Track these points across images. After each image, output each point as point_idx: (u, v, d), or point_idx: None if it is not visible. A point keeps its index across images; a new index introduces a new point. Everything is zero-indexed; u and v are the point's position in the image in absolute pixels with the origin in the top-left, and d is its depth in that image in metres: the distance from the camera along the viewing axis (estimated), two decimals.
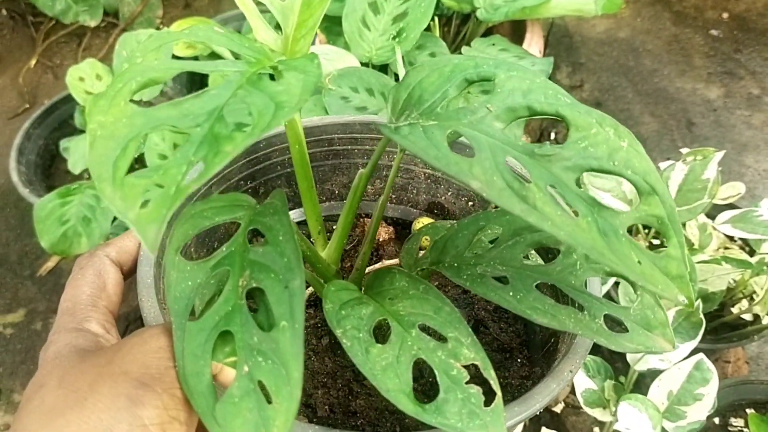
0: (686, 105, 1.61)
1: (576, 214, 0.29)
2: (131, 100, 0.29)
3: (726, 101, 1.61)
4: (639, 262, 0.28)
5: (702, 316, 0.85)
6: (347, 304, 0.36)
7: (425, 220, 0.54)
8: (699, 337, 0.83)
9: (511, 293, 0.36)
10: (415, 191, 0.57)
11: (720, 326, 1.09)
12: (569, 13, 1.15)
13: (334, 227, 0.47)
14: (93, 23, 1.74)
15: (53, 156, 1.49)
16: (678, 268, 0.29)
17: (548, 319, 0.34)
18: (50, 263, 1.48)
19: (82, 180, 1.32)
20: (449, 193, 0.56)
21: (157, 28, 1.88)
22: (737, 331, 1.07)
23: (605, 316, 0.36)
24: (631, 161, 0.31)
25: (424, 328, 0.34)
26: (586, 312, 0.36)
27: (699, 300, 0.96)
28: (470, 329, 0.34)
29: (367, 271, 0.50)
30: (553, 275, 0.38)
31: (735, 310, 1.09)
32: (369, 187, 0.57)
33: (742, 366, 1.25)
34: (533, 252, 0.41)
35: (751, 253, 1.12)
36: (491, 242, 0.41)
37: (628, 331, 0.36)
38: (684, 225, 1.06)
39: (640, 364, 0.85)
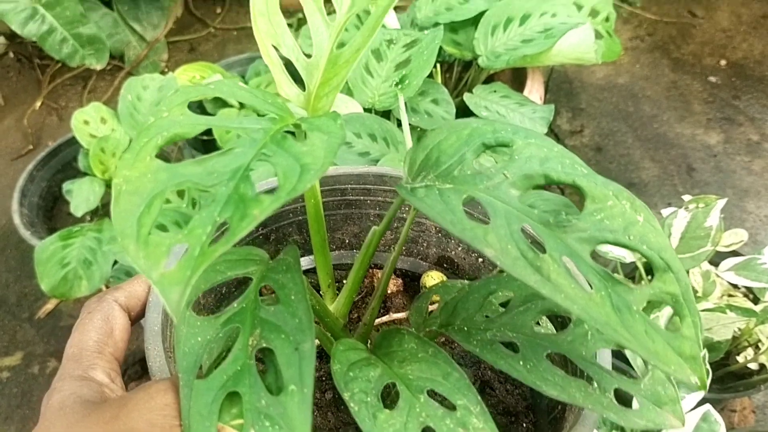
0: (686, 150, 1.62)
1: (590, 287, 0.28)
2: (157, 155, 0.29)
3: (726, 147, 1.62)
4: (653, 340, 0.28)
5: (708, 366, 0.84)
6: (355, 365, 0.35)
7: (435, 275, 0.54)
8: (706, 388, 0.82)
9: (521, 362, 0.35)
10: (425, 244, 0.57)
11: (726, 375, 1.08)
12: (570, 61, 1.16)
13: (344, 279, 0.46)
14: (99, 66, 1.76)
15: (56, 198, 1.49)
16: (692, 348, 0.29)
17: (558, 392, 0.34)
18: (49, 306, 1.47)
19: (84, 222, 1.32)
20: (459, 248, 0.56)
21: (162, 72, 1.90)
22: (743, 381, 1.06)
23: (615, 389, 0.36)
24: (647, 236, 0.31)
25: (432, 394, 0.34)
26: (596, 385, 0.35)
27: (705, 350, 0.96)
28: (479, 396, 0.33)
29: (375, 323, 0.49)
30: (564, 345, 0.38)
31: (740, 359, 1.08)
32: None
33: (749, 415, 1.24)
34: (544, 318, 0.41)
35: (755, 300, 1.11)
36: (502, 305, 0.41)
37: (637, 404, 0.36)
38: (687, 272, 1.06)
39: None
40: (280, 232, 0.55)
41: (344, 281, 0.52)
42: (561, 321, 0.42)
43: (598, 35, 1.25)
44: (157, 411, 0.30)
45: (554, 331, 0.40)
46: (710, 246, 1.03)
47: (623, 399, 0.35)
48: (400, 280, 0.57)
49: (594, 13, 1.30)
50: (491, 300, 0.41)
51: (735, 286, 1.15)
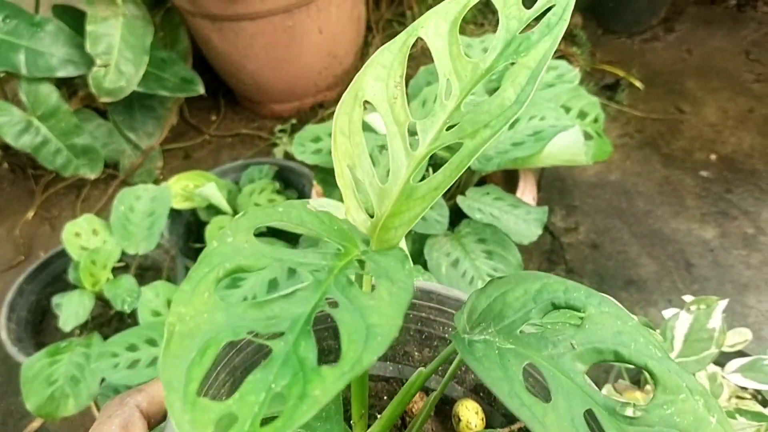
0: (683, 246, 1.61)
1: None
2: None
3: (722, 241, 1.61)
4: None
5: None
6: None
7: (470, 405, 0.51)
8: None
9: None
10: (463, 368, 0.53)
11: None
12: (561, 163, 1.17)
13: (372, 394, 0.44)
14: (93, 176, 1.76)
15: (45, 311, 1.46)
16: None
17: None
18: (35, 424, 1.42)
19: (72, 336, 1.29)
20: None
21: (157, 179, 1.91)
22: None
23: None
24: None
25: None
26: None
27: None
28: None
29: None
30: None
31: None
32: (416, 353, 0.54)
33: None
34: None
35: (764, 403, 1.07)
36: None
37: None
38: (693, 375, 1.02)
39: None
40: (315, 336, 0.52)
41: (373, 396, 0.50)
42: None
43: (587, 136, 1.26)
44: None
45: None
46: (714, 348, 1.01)
47: None
48: None
49: (582, 115, 1.31)
50: None
51: (743, 388, 1.11)
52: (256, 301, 0.26)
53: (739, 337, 1.13)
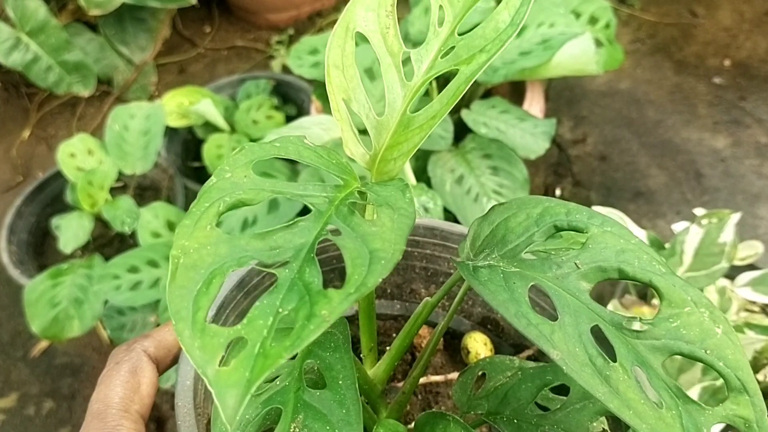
0: (693, 156, 1.58)
1: (660, 403, 0.26)
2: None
3: (734, 151, 1.57)
4: None
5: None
6: None
7: (478, 337, 0.50)
8: None
9: None
10: (470, 302, 0.53)
11: None
12: (570, 73, 1.12)
13: (381, 333, 0.45)
14: (86, 93, 1.72)
15: (45, 233, 1.45)
16: None
17: None
18: (43, 344, 1.43)
19: (74, 259, 1.28)
20: None
21: (152, 96, 1.86)
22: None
23: None
24: (724, 351, 0.28)
25: None
26: None
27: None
28: None
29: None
30: None
31: (760, 377, 1.03)
32: (423, 290, 0.53)
33: None
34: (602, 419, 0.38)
35: None
36: (554, 391, 0.38)
37: None
38: (702, 290, 1.01)
39: None
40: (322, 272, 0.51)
41: (381, 334, 0.50)
42: (617, 419, 0.38)
43: (598, 43, 1.20)
44: None
45: (609, 430, 0.37)
46: (725, 263, 0.99)
47: None
48: (440, 339, 0.53)
49: (593, 21, 1.25)
50: (546, 391, 0.38)
51: (752, 302, 1.10)
52: (258, 232, 0.27)
53: (749, 250, 1.11)
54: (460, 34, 0.34)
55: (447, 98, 0.33)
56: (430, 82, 0.35)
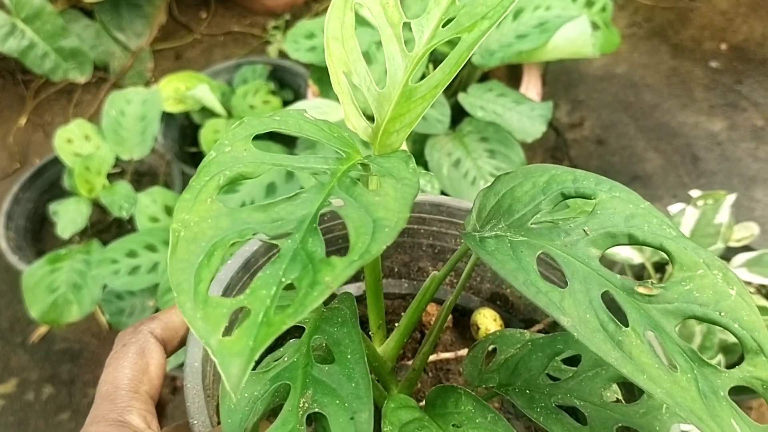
0: (690, 139, 1.58)
1: (674, 367, 0.26)
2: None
3: (730, 134, 1.57)
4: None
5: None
6: (408, 426, 0.33)
7: (487, 313, 0.50)
8: None
9: None
10: (479, 278, 0.52)
11: None
12: (567, 56, 1.12)
13: (390, 311, 0.45)
14: (83, 80, 1.71)
15: (43, 219, 1.45)
16: None
17: None
18: (42, 329, 1.44)
19: (72, 244, 1.28)
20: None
21: (148, 82, 1.86)
22: None
23: None
24: (739, 313, 0.28)
25: None
26: None
27: (720, 354, 0.92)
28: None
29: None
30: (636, 418, 0.35)
31: None
32: (430, 268, 0.53)
33: (766, 412, 1.22)
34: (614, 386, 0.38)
35: None
36: (569, 365, 0.38)
37: None
38: None
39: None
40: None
41: (390, 313, 0.50)
42: (630, 386, 0.38)
43: (594, 27, 1.20)
44: None
45: (621, 397, 0.36)
46: (721, 243, 0.99)
47: None
48: (449, 315, 0.53)
49: (590, 4, 1.25)
50: (557, 361, 0.37)
51: (748, 282, 1.11)
52: (259, 204, 0.26)
53: (745, 231, 1.11)
54: (461, 2, 0.33)
55: (449, 67, 0.32)
56: (426, 64, 0.35)
